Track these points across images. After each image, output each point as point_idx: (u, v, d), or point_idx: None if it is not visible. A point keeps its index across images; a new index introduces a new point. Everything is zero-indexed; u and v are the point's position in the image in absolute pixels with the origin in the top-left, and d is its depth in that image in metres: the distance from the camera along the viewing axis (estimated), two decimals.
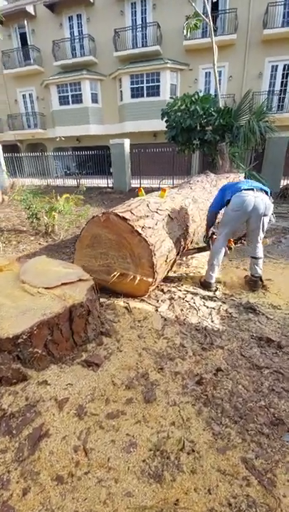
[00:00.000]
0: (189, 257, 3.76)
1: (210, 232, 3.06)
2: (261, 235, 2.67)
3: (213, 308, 2.53)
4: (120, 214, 2.29)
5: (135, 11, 13.13)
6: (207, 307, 2.54)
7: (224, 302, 2.62)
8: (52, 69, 14.84)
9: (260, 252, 2.76)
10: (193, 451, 1.19)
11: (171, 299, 2.66)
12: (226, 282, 3.04)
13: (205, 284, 2.83)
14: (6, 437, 1.15)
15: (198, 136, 7.23)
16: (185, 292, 2.79)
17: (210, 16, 6.81)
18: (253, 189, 2.49)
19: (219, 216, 3.06)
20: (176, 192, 3.63)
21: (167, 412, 1.37)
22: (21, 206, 5.49)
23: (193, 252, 3.52)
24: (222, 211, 2.88)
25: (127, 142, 10.00)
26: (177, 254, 2.94)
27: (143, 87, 13.35)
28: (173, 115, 7.30)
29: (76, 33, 14.23)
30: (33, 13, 14.07)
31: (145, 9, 12.93)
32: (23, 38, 15.09)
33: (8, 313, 1.42)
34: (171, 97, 7.81)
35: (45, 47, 14.51)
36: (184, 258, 3.68)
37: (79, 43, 14.24)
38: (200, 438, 1.28)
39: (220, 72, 12.54)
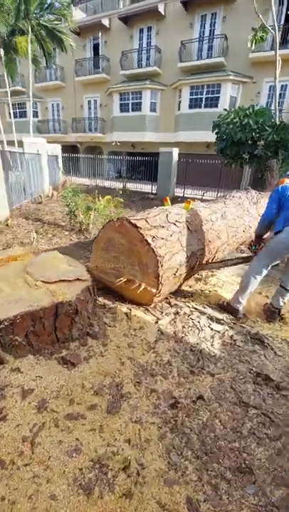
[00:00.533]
0: (210, 273, 3.62)
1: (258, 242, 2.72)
2: None
3: (218, 331, 2.39)
4: (133, 221, 2.32)
5: (204, 24, 13.24)
6: (211, 329, 2.41)
7: (232, 327, 2.46)
8: (117, 77, 15.76)
9: None
10: (138, 474, 1.14)
11: (176, 313, 2.59)
12: (245, 307, 2.83)
13: (229, 309, 2.64)
14: None
15: (248, 150, 6.94)
16: (193, 309, 2.69)
17: (276, 28, 6.51)
18: None
19: None
20: (205, 205, 3.54)
21: (126, 427, 1.34)
22: (63, 203, 5.91)
23: (233, 263, 3.19)
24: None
25: (175, 151, 10.06)
26: (192, 269, 2.85)
27: (202, 98, 13.32)
28: (224, 127, 7.13)
29: (144, 45, 14.91)
30: (107, 26, 15.18)
31: (214, 22, 12.94)
32: (95, 48, 16.38)
33: (2, 299, 1.55)
34: (224, 109, 7.62)
35: (114, 57, 15.50)
36: (204, 274, 3.55)
37: (146, 54, 14.88)
38: (152, 463, 1.23)
39: (285, 87, 11.87)
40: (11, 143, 10.92)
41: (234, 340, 2.28)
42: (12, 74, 11.36)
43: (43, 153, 9.09)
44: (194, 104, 13.70)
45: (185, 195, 10.66)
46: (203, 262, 3.15)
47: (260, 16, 6.81)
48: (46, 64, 10.74)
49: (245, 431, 1.48)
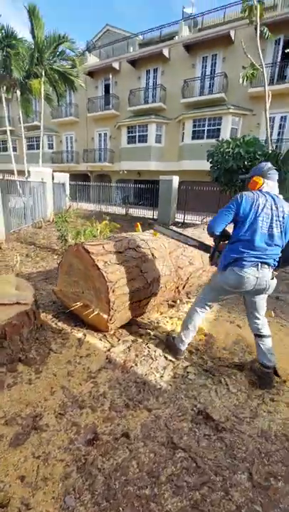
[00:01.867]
0: (185, 300, 3.53)
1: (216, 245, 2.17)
2: (261, 310, 2.07)
3: (173, 362, 2.28)
4: (86, 246, 2.36)
5: (205, 64, 14.29)
6: (166, 359, 2.31)
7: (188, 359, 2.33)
8: (125, 113, 16.94)
9: (264, 328, 2.08)
10: (27, 509, 1.06)
11: (133, 341, 2.51)
12: (211, 336, 2.71)
13: (171, 347, 2.33)
14: None
15: (240, 178, 7.06)
16: (153, 337, 2.60)
17: (264, 66, 6.92)
18: (258, 265, 1.81)
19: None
20: (181, 231, 3.56)
21: (25, 462, 1.26)
22: (55, 227, 6.12)
23: (193, 244, 2.59)
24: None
25: (175, 179, 10.38)
26: (154, 295, 2.80)
27: (204, 130, 13.96)
28: (217, 156, 7.36)
29: (151, 84, 16.15)
30: (117, 68, 16.70)
31: (215, 62, 13.95)
32: (106, 87, 17.90)
33: None
34: (217, 140, 7.92)
35: (122, 95, 16.82)
36: (178, 300, 3.47)
37: (152, 92, 16.05)
38: (40, 505, 1.14)
39: (284, 118, 12.30)
40: (21, 172, 11.71)
41: (187, 373, 2.16)
42: (28, 112, 12.45)
43: (48, 181, 9.63)
44: (197, 135, 14.34)
45: (185, 221, 10.79)
46: (173, 288, 3.11)
47: (249, 56, 7.29)
48: (58, 103, 11.75)
49: (164, 477, 1.35)
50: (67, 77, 10.72)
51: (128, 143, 16.87)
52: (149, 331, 2.70)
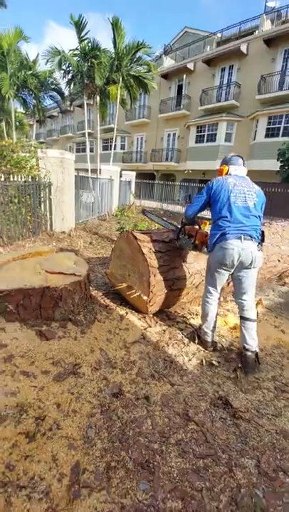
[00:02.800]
0: (229, 298, 3.49)
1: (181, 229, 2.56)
2: (251, 291, 2.09)
3: (203, 350, 2.35)
4: (135, 234, 2.61)
5: (287, 57, 13.07)
6: (198, 348, 2.39)
7: (218, 350, 2.36)
8: (196, 112, 16.85)
9: (249, 311, 2.11)
10: (50, 429, 1.37)
11: (170, 325, 2.67)
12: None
13: (200, 338, 2.35)
14: None
15: None
16: (189, 326, 2.71)
17: None
18: (241, 237, 1.92)
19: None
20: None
21: (62, 394, 1.58)
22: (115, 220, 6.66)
23: (172, 228, 2.95)
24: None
25: None
26: (195, 287, 2.89)
27: (280, 127, 12.85)
28: (288, 154, 6.79)
29: (225, 81, 15.65)
30: (192, 69, 16.71)
31: None
32: (179, 88, 18.11)
33: (9, 277, 2.06)
34: None
35: (194, 94, 16.77)
36: (222, 298, 3.45)
37: (225, 90, 15.54)
38: (68, 429, 1.42)
39: None
40: (95, 171, 12.96)
41: (218, 363, 2.21)
42: (104, 116, 13.64)
43: (115, 178, 10.42)
44: (271, 133, 13.31)
45: None
46: None
47: None
48: (130, 106, 12.52)
49: (173, 439, 1.50)
50: (142, 80, 11.32)
51: (196, 142, 16.77)
52: (186, 319, 2.82)
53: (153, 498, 1.20)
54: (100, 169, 10.28)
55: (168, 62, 19.22)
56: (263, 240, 2.02)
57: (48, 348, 1.89)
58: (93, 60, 9.31)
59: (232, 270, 2.07)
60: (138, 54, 10.23)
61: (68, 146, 28.28)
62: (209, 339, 2.30)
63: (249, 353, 2.08)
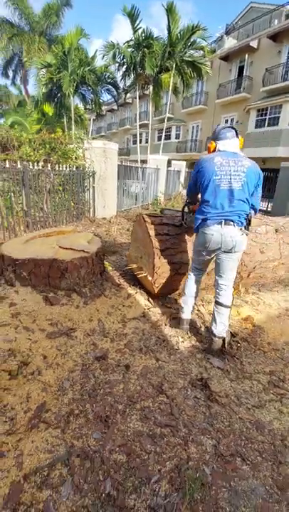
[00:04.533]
0: (251, 291, 3.28)
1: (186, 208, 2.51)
2: (228, 275, 2.01)
3: (201, 334, 2.32)
4: (144, 216, 2.68)
5: None
6: (198, 331, 2.37)
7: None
8: (257, 95, 15.36)
9: (224, 297, 2.03)
10: (32, 374, 1.60)
11: (176, 309, 2.68)
12: (261, 329, 2.50)
13: (176, 318, 2.34)
14: None
15: None
16: (197, 311, 2.68)
17: None
18: (221, 222, 1.86)
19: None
20: (264, 220, 3.27)
21: (50, 349, 1.81)
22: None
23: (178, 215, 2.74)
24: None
25: None
26: None
27: None
28: None
29: None
30: (255, 47, 15.15)
31: None
32: (240, 70, 16.68)
33: (28, 249, 2.38)
34: None
35: (256, 75, 15.25)
36: (243, 289, 3.27)
37: None
38: (47, 376, 1.64)
39: None
40: (146, 161, 13.16)
41: (210, 348, 2.16)
42: (158, 105, 13.61)
43: (162, 168, 10.42)
44: None
45: None
46: None
47: None
48: (182, 93, 12.16)
49: (139, 405, 1.57)
50: (196, 66, 10.88)
51: (256, 127, 15.42)
52: (194, 305, 2.78)
53: (101, 447, 1.32)
54: (148, 159, 10.41)
55: (229, 43, 17.87)
56: (249, 225, 1.93)
57: (49, 311, 2.14)
58: (145, 49, 9.33)
59: (213, 254, 2.03)
60: (193, 38, 9.82)
61: (126, 138, 29.18)
62: (184, 316, 2.25)
63: (216, 338, 2.05)
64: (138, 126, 11.80)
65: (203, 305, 2.83)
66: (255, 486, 1.21)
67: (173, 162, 12.82)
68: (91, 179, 6.38)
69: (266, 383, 1.84)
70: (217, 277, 2.06)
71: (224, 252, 1.94)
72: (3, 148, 4.59)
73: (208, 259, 2.10)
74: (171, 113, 22.01)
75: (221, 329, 2.05)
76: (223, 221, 1.86)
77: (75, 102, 14.31)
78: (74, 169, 5.75)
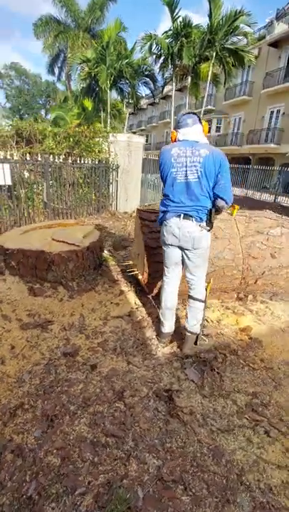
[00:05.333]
0: (260, 298, 2.97)
1: None
2: (195, 272, 1.90)
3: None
4: (140, 212, 2.55)
5: None
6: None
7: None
8: None
9: (195, 291, 1.94)
10: (1, 363, 1.63)
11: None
12: (259, 342, 2.23)
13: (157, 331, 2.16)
14: None
15: None
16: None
17: None
18: (180, 215, 1.75)
19: None
20: (270, 216, 2.93)
21: (20, 340, 1.83)
22: None
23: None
24: None
25: None
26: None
27: None
28: None
29: None
30: None
31: None
32: None
33: (22, 240, 2.44)
34: None
35: None
36: (251, 296, 2.98)
37: None
38: (9, 368, 1.65)
39: None
40: None
41: (191, 358, 1.99)
42: (197, 97, 13.08)
43: None
44: None
45: None
46: (236, 277, 2.71)
47: None
48: (224, 84, 11.46)
49: (92, 409, 1.50)
50: (239, 53, 10.15)
51: None
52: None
53: (38, 447, 1.28)
54: None
55: (280, 28, 16.30)
56: (210, 221, 1.80)
57: (31, 302, 2.17)
58: (183, 39, 8.96)
59: (176, 252, 1.89)
60: (235, 24, 9.15)
61: (165, 132, 28.77)
62: (163, 330, 2.04)
63: (188, 334, 2.00)
64: (172, 119, 11.47)
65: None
66: None
67: None
68: (114, 173, 6.38)
69: (243, 405, 1.63)
70: (186, 272, 1.96)
71: (186, 249, 1.83)
72: (27, 142, 4.79)
73: (174, 257, 1.92)
74: (213, 105, 21.06)
75: (192, 324, 1.98)
76: (182, 215, 1.76)
77: (112, 95, 14.47)
78: (96, 162, 5.81)
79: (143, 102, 30.42)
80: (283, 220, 2.92)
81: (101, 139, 6.12)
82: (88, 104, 14.58)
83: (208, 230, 1.84)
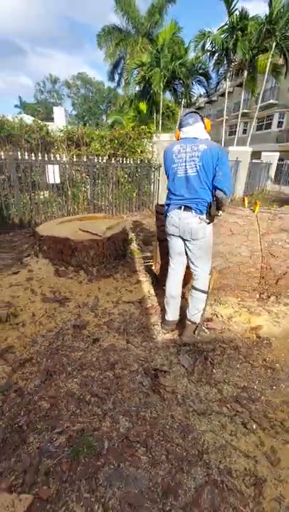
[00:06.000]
0: (283, 300, 2.81)
1: None
2: (197, 263, 1.99)
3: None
4: (157, 205, 2.69)
5: None
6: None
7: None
8: None
9: (197, 281, 2.03)
10: (22, 325, 2.00)
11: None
12: (269, 342, 2.17)
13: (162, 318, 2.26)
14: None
15: None
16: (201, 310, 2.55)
17: None
18: (181, 207, 1.86)
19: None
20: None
21: (40, 309, 2.17)
22: None
23: None
24: None
25: None
26: (217, 271, 2.59)
27: None
28: None
29: None
30: None
31: None
32: None
33: (56, 229, 2.83)
34: None
35: None
36: (271, 297, 2.84)
37: None
38: (30, 326, 2.00)
39: None
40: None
41: (190, 348, 2.06)
42: (253, 92, 12.40)
43: (244, 160, 9.53)
44: None
45: None
46: (254, 275, 2.62)
47: None
48: (285, 75, 10.56)
49: (86, 372, 1.73)
50: None
51: None
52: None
53: (35, 392, 1.56)
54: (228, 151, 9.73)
55: None
56: (210, 213, 1.85)
57: (55, 281, 2.52)
58: (239, 32, 8.63)
59: (179, 243, 2.01)
60: None
61: (222, 129, 27.77)
62: (167, 317, 2.15)
63: (188, 322, 2.09)
64: (225, 116, 11.16)
65: (212, 305, 2.65)
66: (141, 479, 1.20)
67: (263, 154, 11.53)
68: (156, 172, 6.58)
69: (228, 396, 1.65)
70: (189, 263, 2.05)
71: (186, 240, 1.93)
72: (76, 145, 5.34)
73: (177, 248, 2.03)
74: (276, 98, 19.52)
75: (193, 313, 2.06)
76: (183, 207, 1.87)
77: (167, 96, 14.71)
78: (138, 162, 6.09)
79: (201, 100, 29.93)
80: None
81: (145, 140, 6.39)
82: (143, 106, 15.13)
83: (208, 223, 1.89)
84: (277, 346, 2.14)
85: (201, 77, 12.63)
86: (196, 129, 1.84)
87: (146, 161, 6.33)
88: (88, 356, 1.85)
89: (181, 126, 1.89)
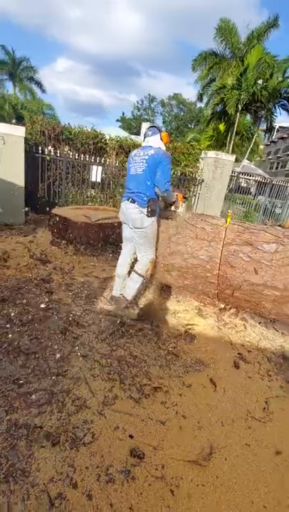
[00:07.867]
0: (240, 315, 2.82)
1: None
2: (139, 249, 2.41)
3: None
4: None
5: None
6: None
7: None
8: None
9: (138, 265, 2.44)
10: (50, 294, 2.75)
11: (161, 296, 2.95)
12: (192, 337, 2.33)
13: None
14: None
15: None
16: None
17: None
18: (128, 199, 2.29)
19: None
20: (272, 231, 2.71)
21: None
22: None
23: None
24: None
25: None
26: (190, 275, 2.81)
27: None
28: None
29: None
30: None
31: None
32: None
33: (66, 211, 3.57)
34: None
35: None
36: (233, 310, 2.87)
37: None
38: (59, 293, 2.72)
39: None
40: None
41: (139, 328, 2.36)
42: None
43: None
44: None
45: None
46: (209, 281, 2.73)
47: None
48: None
49: (25, 308, 2.30)
50: None
51: None
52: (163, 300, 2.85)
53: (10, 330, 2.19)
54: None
55: None
56: (151, 208, 2.22)
57: (48, 247, 3.23)
58: None
59: (129, 230, 2.38)
60: None
61: None
62: (113, 292, 2.53)
63: (121, 297, 2.47)
64: None
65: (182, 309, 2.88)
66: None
67: None
68: (198, 186, 6.85)
69: (115, 356, 1.95)
70: (135, 248, 2.48)
71: (131, 228, 2.33)
72: (126, 153, 6.14)
73: (125, 234, 2.46)
74: None
75: (127, 291, 2.44)
76: (130, 199, 2.28)
77: (247, 118, 14.62)
78: (179, 174, 6.51)
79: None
80: (284, 238, 2.63)
81: (191, 156, 6.77)
82: (222, 127, 15.42)
83: (149, 216, 2.24)
84: (198, 342, 2.28)
85: (286, 101, 12.17)
86: (153, 139, 2.30)
87: (189, 175, 6.69)
88: (37, 299, 2.42)
89: (144, 137, 2.38)
